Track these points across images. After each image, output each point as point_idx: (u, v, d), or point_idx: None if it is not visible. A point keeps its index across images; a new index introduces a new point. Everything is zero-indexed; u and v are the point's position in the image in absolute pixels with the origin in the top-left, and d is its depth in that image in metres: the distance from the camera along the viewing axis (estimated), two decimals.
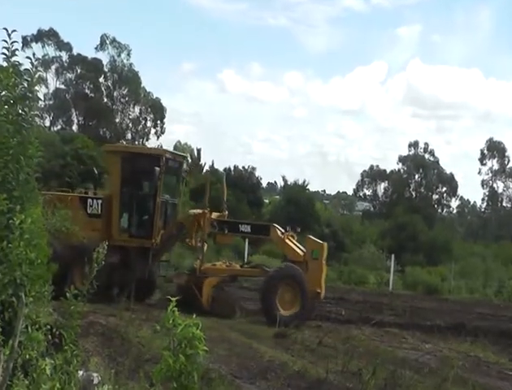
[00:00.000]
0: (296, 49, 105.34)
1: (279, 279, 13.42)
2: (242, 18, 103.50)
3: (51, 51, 53.27)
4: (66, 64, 53.97)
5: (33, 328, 4.46)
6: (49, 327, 4.64)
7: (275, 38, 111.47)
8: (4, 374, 4.08)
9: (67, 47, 53.63)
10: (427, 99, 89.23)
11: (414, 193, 58.74)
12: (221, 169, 44.98)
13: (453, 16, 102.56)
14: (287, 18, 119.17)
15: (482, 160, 59.78)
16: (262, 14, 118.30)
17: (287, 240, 14.10)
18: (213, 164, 46.35)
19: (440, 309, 18.48)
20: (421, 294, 22.84)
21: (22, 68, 4.74)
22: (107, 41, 52.95)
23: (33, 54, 4.89)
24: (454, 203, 62.99)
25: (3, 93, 4.71)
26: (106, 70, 53.92)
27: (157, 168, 13.92)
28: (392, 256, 25.38)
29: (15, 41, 4.65)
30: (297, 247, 14.11)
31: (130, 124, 55.53)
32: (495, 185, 60.73)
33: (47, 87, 52.53)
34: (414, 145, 59.52)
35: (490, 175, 60.16)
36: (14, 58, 4.68)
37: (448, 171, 59.59)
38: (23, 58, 4.74)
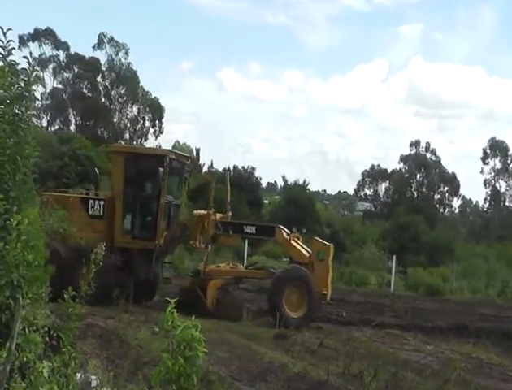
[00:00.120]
0: (296, 48, 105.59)
1: (286, 281, 13.38)
2: (241, 16, 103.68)
3: (48, 50, 53.42)
4: (63, 63, 53.94)
5: (31, 330, 4.43)
6: (46, 329, 4.62)
7: (274, 36, 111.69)
8: (1, 376, 4.07)
9: (64, 46, 53.64)
10: (429, 98, 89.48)
11: (415, 193, 58.75)
12: (220, 169, 45.09)
13: (455, 14, 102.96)
14: (287, 16, 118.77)
15: (484, 159, 59.84)
16: (262, 12, 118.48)
17: (292, 242, 14.04)
18: (212, 164, 46.41)
19: (442, 310, 18.39)
20: (423, 295, 22.73)
21: (19, 67, 4.70)
22: (105, 40, 52.87)
23: (30, 54, 4.89)
24: (456, 203, 63.18)
25: None
26: (103, 69, 53.79)
27: (161, 169, 13.80)
28: (394, 256, 25.35)
29: (11, 40, 4.62)
30: (303, 248, 14.05)
31: (128, 124, 55.39)
32: (497, 185, 60.82)
33: (44, 86, 52.60)
34: (416, 144, 59.68)
35: (492, 174, 60.22)
36: (10, 58, 4.63)
37: (450, 171, 59.82)
38: (19, 58, 4.71)
